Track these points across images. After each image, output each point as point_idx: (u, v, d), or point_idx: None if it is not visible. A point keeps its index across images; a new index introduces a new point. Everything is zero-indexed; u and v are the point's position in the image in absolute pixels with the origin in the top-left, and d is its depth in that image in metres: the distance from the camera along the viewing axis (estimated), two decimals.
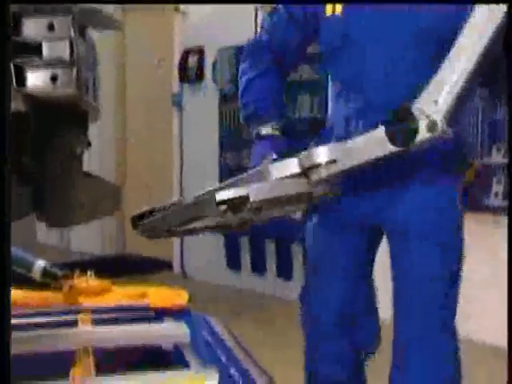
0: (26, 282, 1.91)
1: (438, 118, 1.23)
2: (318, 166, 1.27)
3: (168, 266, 5.43)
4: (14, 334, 1.34)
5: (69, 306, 1.73)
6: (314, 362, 1.66)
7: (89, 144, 1.18)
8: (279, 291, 4.56)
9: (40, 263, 1.87)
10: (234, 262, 5.00)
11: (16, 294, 1.85)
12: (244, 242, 4.81)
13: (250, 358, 1.35)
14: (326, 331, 1.63)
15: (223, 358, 1.36)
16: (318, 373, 1.65)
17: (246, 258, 4.93)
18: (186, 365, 1.30)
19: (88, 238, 5.62)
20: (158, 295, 1.71)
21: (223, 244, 4.92)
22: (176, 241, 5.47)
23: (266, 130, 1.71)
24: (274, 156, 1.46)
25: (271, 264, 4.82)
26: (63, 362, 1.27)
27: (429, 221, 1.53)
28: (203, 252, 5.02)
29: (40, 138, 0.97)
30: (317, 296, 1.66)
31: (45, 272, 1.85)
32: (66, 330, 1.40)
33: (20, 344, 1.31)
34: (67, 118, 1.00)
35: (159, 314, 1.57)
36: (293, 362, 1.69)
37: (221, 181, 5.29)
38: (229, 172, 5.01)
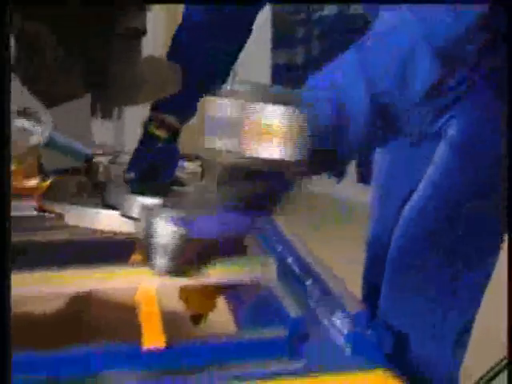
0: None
1: None
2: None
3: None
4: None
5: None
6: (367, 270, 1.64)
7: (144, 32, 1.16)
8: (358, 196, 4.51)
9: (99, 159, 1.90)
10: None
11: None
12: None
13: (306, 248, 1.36)
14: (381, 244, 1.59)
15: (279, 248, 1.37)
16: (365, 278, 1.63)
17: None
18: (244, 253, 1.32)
19: None
20: None
21: None
22: None
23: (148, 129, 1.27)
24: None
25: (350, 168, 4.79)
26: (124, 251, 1.30)
27: None
28: None
29: (95, 12, 0.95)
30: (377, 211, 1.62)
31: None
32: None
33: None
34: None
35: None
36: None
37: (272, 79, 5.28)
38: (281, 70, 4.94)
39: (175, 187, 1.15)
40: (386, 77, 0.97)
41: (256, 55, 5.03)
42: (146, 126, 1.30)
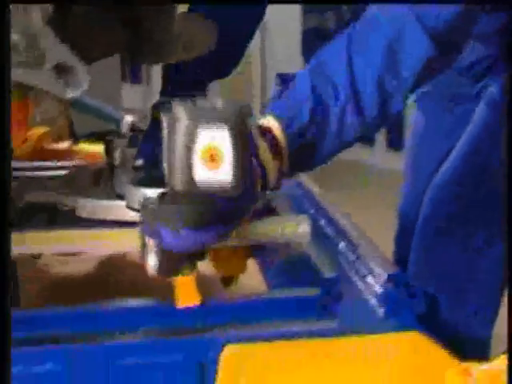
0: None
1: None
2: None
3: None
4: None
5: None
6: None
7: None
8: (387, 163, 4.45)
9: (128, 118, 1.90)
10: None
11: None
12: None
13: (337, 209, 1.35)
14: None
15: (312, 210, 1.36)
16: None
17: None
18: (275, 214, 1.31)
19: None
20: None
21: None
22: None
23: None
24: None
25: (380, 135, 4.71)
26: None
27: None
28: None
29: None
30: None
31: (133, 127, 1.88)
32: None
33: None
34: None
35: None
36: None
37: (303, 43, 5.23)
38: (311, 35, 4.89)
39: None
40: (373, 63, 0.93)
41: (286, 20, 4.98)
42: (154, 110, 1.30)
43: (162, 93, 1.34)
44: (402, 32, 0.90)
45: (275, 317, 0.92)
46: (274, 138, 0.87)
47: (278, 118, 0.89)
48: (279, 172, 0.88)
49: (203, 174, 0.70)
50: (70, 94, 0.96)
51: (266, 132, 0.87)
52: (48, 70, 0.91)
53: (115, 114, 1.97)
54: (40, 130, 2.16)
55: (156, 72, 6.23)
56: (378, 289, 1.03)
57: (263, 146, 0.85)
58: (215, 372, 0.77)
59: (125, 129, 1.90)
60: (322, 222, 1.30)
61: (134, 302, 0.92)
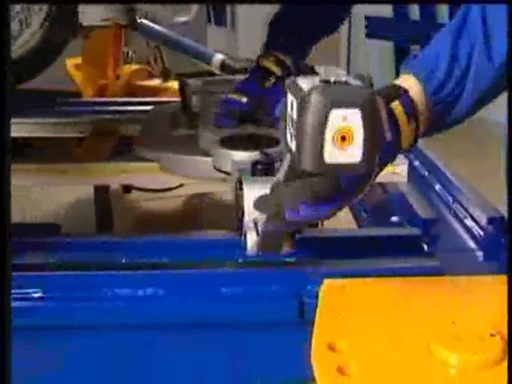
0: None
1: None
2: None
3: None
4: None
5: None
6: None
7: None
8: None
9: (219, 56, 1.90)
10: None
11: None
12: None
13: (433, 153, 1.32)
14: None
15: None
16: None
17: None
18: None
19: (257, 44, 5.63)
20: None
21: None
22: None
23: None
24: None
25: None
26: None
27: None
28: None
29: None
30: None
31: (223, 64, 1.89)
32: None
33: None
34: None
35: None
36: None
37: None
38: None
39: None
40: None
41: None
42: (259, 60, 1.31)
43: (268, 44, 1.35)
44: None
45: (372, 254, 0.91)
46: (410, 99, 0.84)
47: (415, 76, 0.86)
48: (415, 134, 0.86)
49: (333, 154, 0.70)
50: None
51: (402, 94, 0.85)
52: None
53: (206, 52, 1.97)
54: (132, 67, 2.20)
55: (240, 16, 6.18)
56: (477, 232, 1.01)
57: (399, 109, 0.83)
58: (314, 305, 0.77)
59: (215, 67, 1.90)
60: (417, 163, 1.27)
61: (233, 235, 0.92)
